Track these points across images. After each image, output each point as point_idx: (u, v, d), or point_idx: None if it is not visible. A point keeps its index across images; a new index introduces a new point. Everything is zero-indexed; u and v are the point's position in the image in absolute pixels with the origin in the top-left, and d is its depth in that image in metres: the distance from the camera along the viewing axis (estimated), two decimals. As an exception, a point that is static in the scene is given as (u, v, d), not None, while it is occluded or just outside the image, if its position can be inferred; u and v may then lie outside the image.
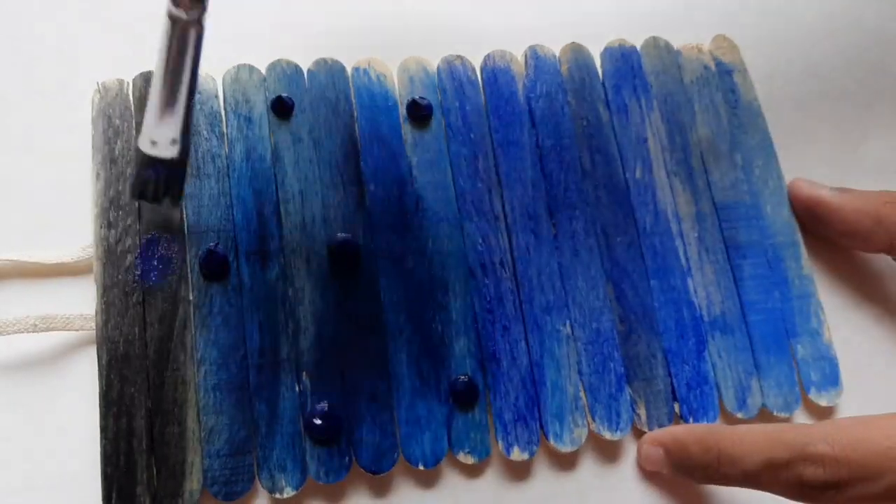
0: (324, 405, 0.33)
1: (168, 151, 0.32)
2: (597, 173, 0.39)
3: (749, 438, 0.32)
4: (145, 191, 0.33)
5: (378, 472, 0.33)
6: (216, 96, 0.37)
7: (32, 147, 0.37)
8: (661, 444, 0.34)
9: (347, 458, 0.33)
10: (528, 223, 0.38)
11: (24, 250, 0.34)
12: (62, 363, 0.33)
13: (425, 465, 0.34)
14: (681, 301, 0.37)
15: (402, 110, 0.39)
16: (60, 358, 0.34)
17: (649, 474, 0.35)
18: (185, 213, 0.35)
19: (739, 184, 0.40)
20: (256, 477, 0.32)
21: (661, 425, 0.35)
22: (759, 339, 0.37)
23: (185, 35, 0.29)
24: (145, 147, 0.32)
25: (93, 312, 0.34)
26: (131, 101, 0.37)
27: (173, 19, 0.29)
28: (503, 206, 0.38)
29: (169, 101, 0.30)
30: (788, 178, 0.40)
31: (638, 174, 0.39)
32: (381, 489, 0.34)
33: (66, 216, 0.36)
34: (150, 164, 0.32)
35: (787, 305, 0.38)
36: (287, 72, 0.38)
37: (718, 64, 0.42)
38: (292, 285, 0.35)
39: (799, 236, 0.39)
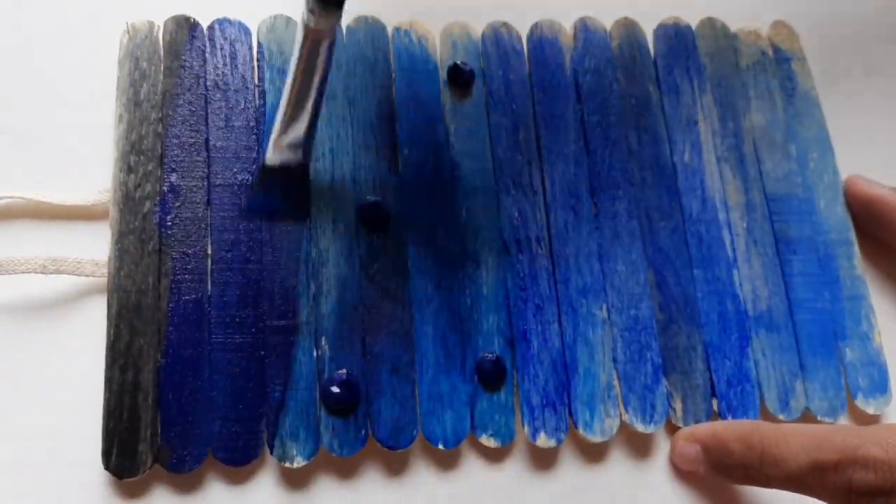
0: (342, 373, 0.31)
1: (289, 155, 0.31)
2: (643, 154, 0.37)
3: (795, 438, 0.29)
4: (261, 209, 0.32)
5: (395, 447, 0.31)
6: (250, 46, 0.36)
7: (56, 85, 0.35)
8: (699, 441, 0.32)
9: (364, 431, 0.31)
10: (569, 200, 0.35)
11: (38, 190, 0.33)
12: (70, 309, 0.32)
13: (445, 445, 0.31)
14: (725, 293, 0.35)
15: (443, 75, 0.37)
16: (68, 303, 0.32)
17: (682, 473, 0.33)
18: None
19: (793, 175, 0.38)
20: (266, 444, 0.30)
21: (697, 421, 0.33)
22: (805, 340, 0.35)
23: (316, 45, 0.29)
24: (271, 159, 0.31)
25: (105, 259, 0.32)
26: (160, 45, 0.35)
27: (307, 30, 0.28)
28: (543, 181, 0.36)
29: (297, 108, 0.30)
30: (844, 174, 0.38)
31: (686, 158, 0.37)
32: (396, 467, 0.31)
33: (84, 158, 0.34)
34: (270, 172, 0.31)
35: (837, 306, 0.36)
36: (325, 26, 0.36)
37: (776, 51, 0.40)
38: (316, 246, 0.33)
39: (853, 235, 0.37)
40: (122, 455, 0.29)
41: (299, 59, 0.29)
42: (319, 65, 0.30)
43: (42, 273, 0.31)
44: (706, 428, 0.32)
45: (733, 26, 0.40)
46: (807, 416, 0.34)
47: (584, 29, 0.38)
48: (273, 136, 0.32)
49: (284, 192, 0.32)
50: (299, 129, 0.31)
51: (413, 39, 0.37)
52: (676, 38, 0.39)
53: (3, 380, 0.30)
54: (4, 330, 0.31)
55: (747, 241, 0.36)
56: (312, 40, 0.29)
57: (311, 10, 0.28)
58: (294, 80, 0.30)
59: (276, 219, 0.32)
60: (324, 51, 0.29)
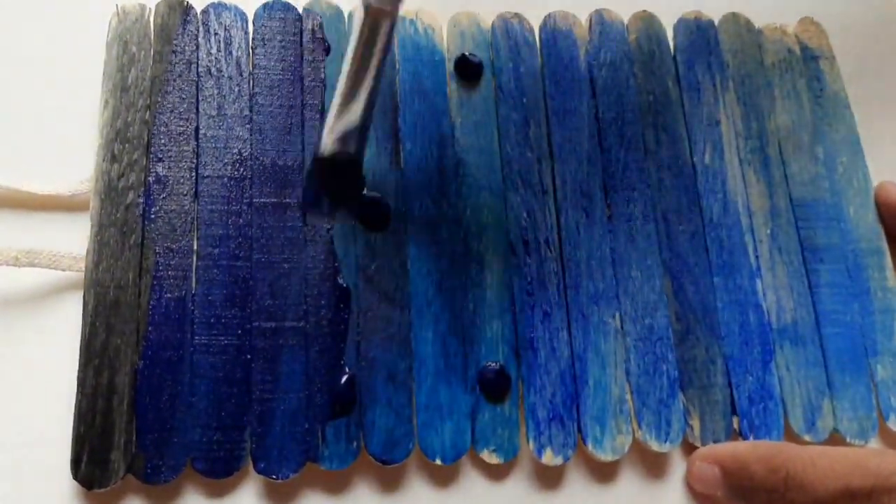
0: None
1: (341, 147, 0.28)
2: (661, 153, 0.35)
3: (824, 462, 0.27)
4: (317, 202, 0.29)
5: (389, 462, 0.29)
6: (246, 32, 0.34)
7: (39, 68, 0.33)
8: (718, 462, 0.29)
9: (356, 443, 0.29)
10: (581, 201, 0.33)
11: (15, 177, 0.31)
12: (44, 305, 0.30)
13: (443, 461, 0.29)
14: (747, 303, 0.33)
15: (450, 67, 0.35)
16: (42, 299, 0.30)
17: (699, 496, 0.31)
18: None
19: (820, 180, 0.35)
20: (250, 455, 0.28)
21: (716, 440, 0.31)
22: (833, 355, 0.33)
23: (376, 24, 0.27)
24: (324, 148, 0.28)
25: (84, 252, 0.30)
26: (151, 29, 0.33)
27: (366, 6, 0.26)
28: (553, 180, 0.34)
29: (351, 92, 0.27)
30: (875, 179, 0.36)
31: (707, 159, 0.35)
32: (390, 483, 0.29)
33: (66, 145, 0.32)
34: (321, 164, 0.28)
35: (868, 320, 0.33)
36: (327, 13, 0.35)
37: (804, 48, 0.38)
38: (311, 243, 0.31)
39: (884, 244, 0.35)
40: (93, 463, 0.27)
41: (358, 39, 0.27)
42: (378, 47, 0.27)
43: (14, 265, 0.29)
44: (726, 448, 0.30)
45: (758, 22, 0.38)
46: (835, 438, 0.32)
47: (600, 21, 0.36)
48: (328, 125, 0.28)
49: (338, 186, 0.28)
50: (353, 118, 0.28)
51: (419, 29, 0.35)
52: (698, 32, 0.37)
53: (-31, 379, 0.28)
54: (-28, 325, 0.29)
55: (771, 249, 0.34)
56: (374, 19, 0.26)
57: None
58: (352, 63, 0.27)
59: (331, 212, 0.29)
60: (384, 32, 0.27)
